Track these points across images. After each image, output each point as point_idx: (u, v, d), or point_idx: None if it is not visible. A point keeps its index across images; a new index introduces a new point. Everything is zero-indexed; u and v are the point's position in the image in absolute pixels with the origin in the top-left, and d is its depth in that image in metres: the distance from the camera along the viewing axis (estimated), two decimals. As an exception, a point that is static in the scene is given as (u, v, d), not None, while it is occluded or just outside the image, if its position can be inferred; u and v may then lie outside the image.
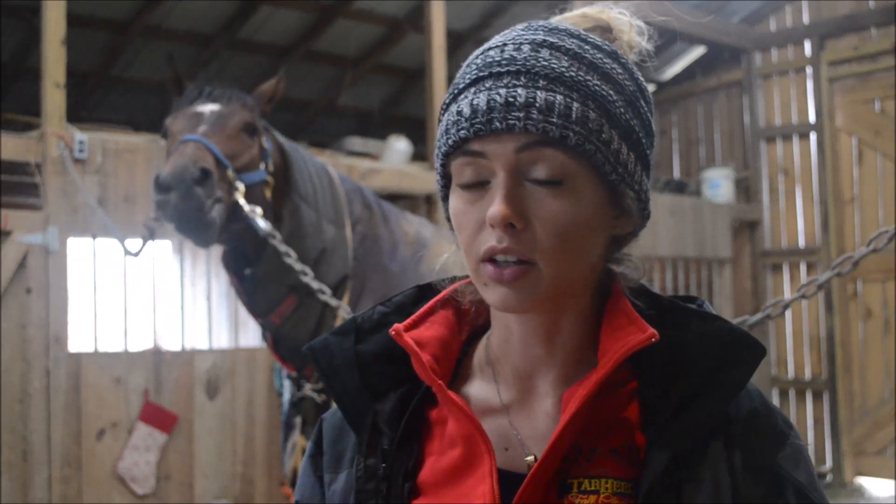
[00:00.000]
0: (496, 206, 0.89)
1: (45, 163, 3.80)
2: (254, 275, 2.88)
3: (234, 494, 4.27)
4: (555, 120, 0.88)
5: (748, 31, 7.37)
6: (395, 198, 5.21)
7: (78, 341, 4.08)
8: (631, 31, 1.01)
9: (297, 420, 3.07)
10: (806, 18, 7.17)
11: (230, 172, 2.70)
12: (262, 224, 2.76)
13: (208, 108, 2.86)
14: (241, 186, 2.71)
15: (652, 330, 0.92)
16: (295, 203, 2.91)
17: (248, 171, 2.82)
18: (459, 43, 6.74)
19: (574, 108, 0.89)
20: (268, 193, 2.86)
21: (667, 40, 5.67)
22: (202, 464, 4.18)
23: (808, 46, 7.10)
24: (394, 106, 7.64)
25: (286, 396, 3.15)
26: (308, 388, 2.98)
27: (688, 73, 7.81)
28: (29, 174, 3.81)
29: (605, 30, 1.00)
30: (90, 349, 4.03)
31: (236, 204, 2.72)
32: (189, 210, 2.59)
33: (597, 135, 0.89)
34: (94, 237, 4.00)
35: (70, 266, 3.85)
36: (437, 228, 3.49)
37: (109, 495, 3.91)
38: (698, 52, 7.69)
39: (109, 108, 6.52)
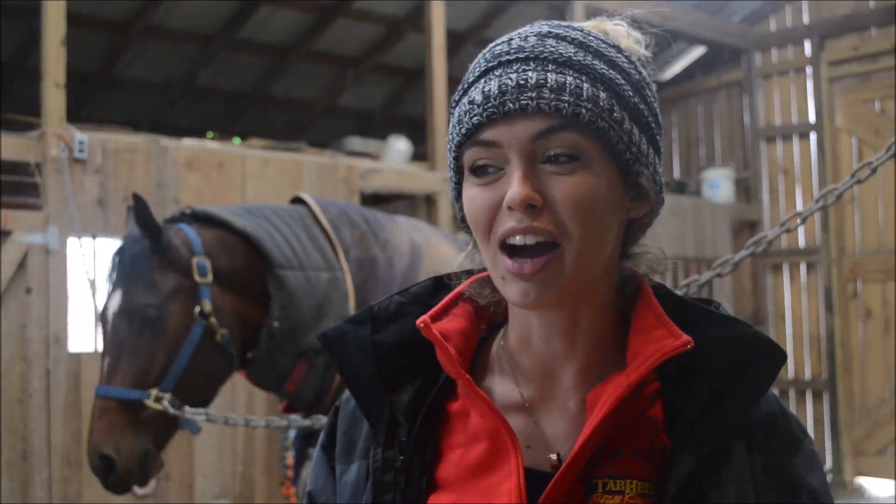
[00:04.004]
0: (514, 189, 0.88)
1: (45, 163, 3.80)
2: (257, 357, 2.80)
3: (234, 494, 4.27)
4: (566, 98, 0.88)
5: (748, 31, 7.37)
6: (395, 198, 5.22)
7: (78, 341, 4.08)
8: (629, 39, 1.01)
9: (311, 451, 3.04)
10: (806, 18, 7.18)
11: (150, 402, 2.59)
12: (204, 416, 2.71)
13: (113, 305, 2.68)
14: (166, 405, 2.59)
15: (686, 337, 0.91)
16: (278, 276, 2.79)
17: (174, 355, 2.65)
18: (459, 43, 6.74)
19: (585, 88, 0.89)
20: (220, 332, 2.69)
21: (667, 40, 5.68)
22: (202, 464, 4.18)
23: (808, 46, 7.10)
24: (394, 106, 7.64)
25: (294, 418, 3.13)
26: (320, 421, 2.95)
27: (688, 73, 7.81)
28: (29, 174, 3.81)
29: None
30: (90, 349, 4.02)
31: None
32: (118, 488, 2.68)
33: (608, 113, 0.90)
34: (94, 237, 4.00)
35: (70, 266, 3.85)
36: (430, 231, 3.42)
37: (109, 495, 3.90)
38: (698, 52, 7.69)
39: (109, 108, 6.52)
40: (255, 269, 2.82)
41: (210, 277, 2.71)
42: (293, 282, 2.81)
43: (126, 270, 2.69)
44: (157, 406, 2.60)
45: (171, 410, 2.61)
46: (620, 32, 1.02)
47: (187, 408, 2.68)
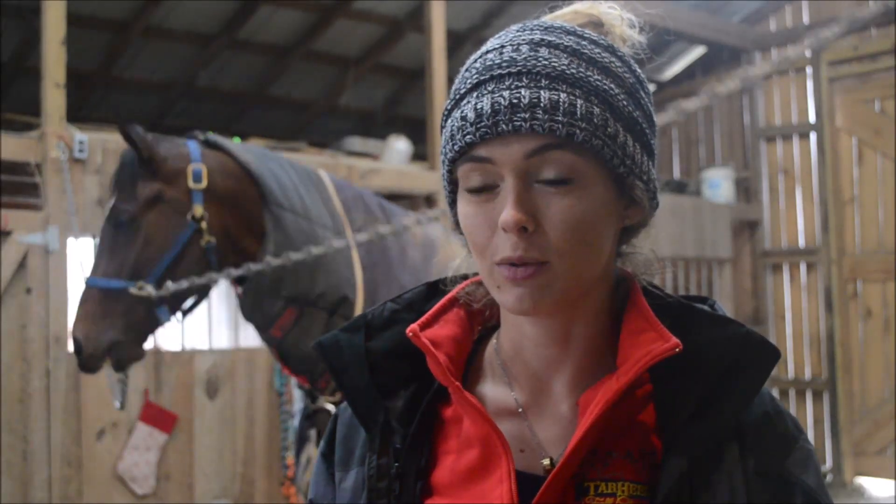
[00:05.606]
0: (508, 212, 0.88)
1: (45, 163, 3.80)
2: (246, 291, 2.83)
3: (234, 494, 4.27)
4: (560, 118, 0.88)
5: (748, 31, 7.37)
6: (394, 198, 5.21)
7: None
8: (622, 24, 1.01)
9: (312, 433, 3.04)
10: (806, 18, 7.18)
11: (133, 290, 2.71)
12: (186, 307, 2.84)
13: (108, 209, 2.85)
14: (150, 291, 2.71)
15: (675, 340, 0.91)
16: (275, 213, 2.83)
17: (162, 253, 2.78)
18: (459, 43, 6.74)
19: (578, 105, 0.89)
20: (207, 238, 2.79)
21: (667, 40, 5.68)
22: (202, 464, 4.18)
23: (808, 46, 7.10)
24: (394, 106, 7.64)
25: (298, 406, 3.13)
26: (323, 401, 2.95)
27: (688, 73, 7.81)
28: (29, 174, 3.81)
29: (597, 24, 1.01)
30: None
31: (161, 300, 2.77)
32: (85, 368, 2.80)
33: (602, 129, 0.89)
34: (94, 237, 4.00)
35: (70, 266, 3.85)
36: (443, 230, 3.44)
37: (109, 495, 3.91)
38: (698, 52, 7.69)
39: (109, 108, 6.52)
40: (250, 200, 2.89)
41: (204, 184, 2.82)
42: (292, 224, 2.87)
43: (122, 181, 2.84)
44: (141, 293, 2.72)
45: (154, 293, 2.72)
46: (614, 18, 1.01)
47: (169, 284, 2.77)
